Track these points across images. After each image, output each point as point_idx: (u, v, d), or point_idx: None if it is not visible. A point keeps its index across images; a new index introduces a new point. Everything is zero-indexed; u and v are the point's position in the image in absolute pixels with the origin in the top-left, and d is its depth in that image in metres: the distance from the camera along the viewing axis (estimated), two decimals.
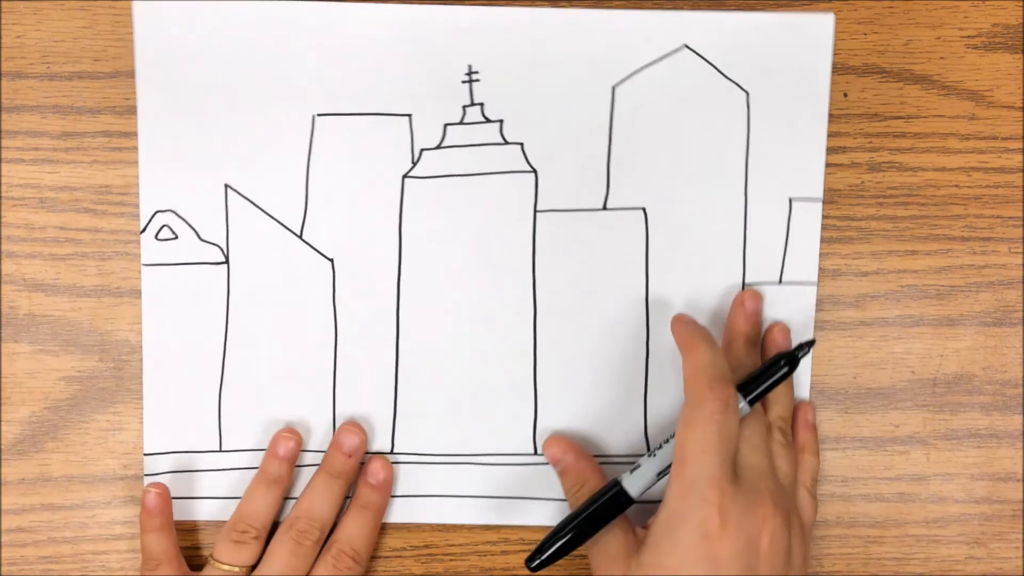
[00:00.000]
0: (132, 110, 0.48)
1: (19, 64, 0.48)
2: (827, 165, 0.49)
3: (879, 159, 0.49)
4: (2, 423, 0.49)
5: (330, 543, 0.48)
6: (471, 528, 0.50)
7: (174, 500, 0.48)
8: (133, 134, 0.48)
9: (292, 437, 0.48)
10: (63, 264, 0.49)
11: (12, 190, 0.48)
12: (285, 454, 0.48)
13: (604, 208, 0.49)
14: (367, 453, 0.49)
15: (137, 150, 0.48)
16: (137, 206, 0.48)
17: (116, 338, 0.49)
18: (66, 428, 0.49)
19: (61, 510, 0.49)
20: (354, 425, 0.49)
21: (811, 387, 0.50)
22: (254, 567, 0.47)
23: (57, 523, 0.49)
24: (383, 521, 0.49)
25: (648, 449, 0.50)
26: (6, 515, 0.49)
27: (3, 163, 0.48)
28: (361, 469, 0.49)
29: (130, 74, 0.48)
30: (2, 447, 0.49)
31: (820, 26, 0.48)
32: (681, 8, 0.48)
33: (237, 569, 0.46)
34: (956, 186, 0.49)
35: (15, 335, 0.49)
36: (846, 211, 0.49)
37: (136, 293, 0.49)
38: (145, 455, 0.49)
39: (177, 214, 0.48)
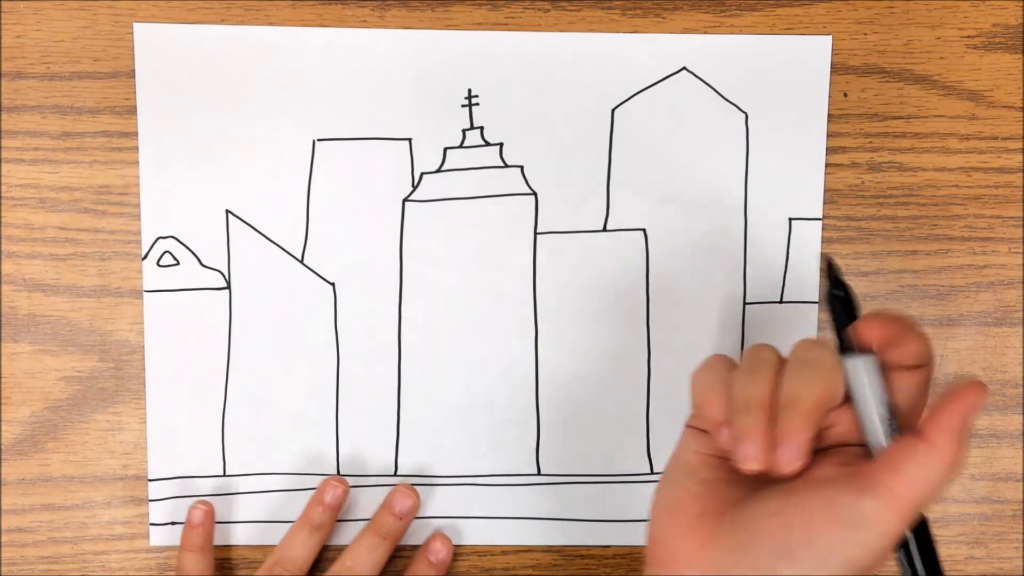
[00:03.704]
0: (132, 110, 0.48)
1: (19, 64, 0.48)
2: (827, 165, 0.49)
3: (879, 159, 0.49)
4: (2, 423, 0.49)
5: (334, 568, 0.47)
6: None
7: (178, 525, 0.49)
8: (133, 134, 0.48)
9: (340, 485, 0.48)
10: (63, 264, 0.49)
11: (12, 190, 0.48)
12: (331, 502, 0.48)
13: (604, 230, 0.49)
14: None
15: (137, 150, 0.48)
16: (137, 206, 0.48)
17: (116, 338, 0.49)
18: (66, 428, 0.49)
19: (61, 510, 0.49)
20: (407, 488, 0.48)
21: None
22: None
23: (57, 523, 0.49)
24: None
25: (651, 469, 0.50)
26: (6, 515, 0.49)
27: (3, 163, 0.48)
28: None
29: (130, 74, 0.48)
30: (2, 447, 0.49)
31: (817, 48, 0.49)
32: (680, 31, 0.48)
33: None
34: (956, 186, 0.49)
35: (15, 335, 0.49)
36: (846, 211, 0.49)
37: (136, 293, 0.49)
38: (149, 480, 0.49)
39: (179, 240, 0.49)
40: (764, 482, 0.35)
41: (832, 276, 0.36)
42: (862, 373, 0.34)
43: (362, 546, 0.48)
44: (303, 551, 0.47)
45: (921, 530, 0.35)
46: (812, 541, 0.33)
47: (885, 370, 0.35)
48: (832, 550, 0.33)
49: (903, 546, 0.35)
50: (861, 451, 0.35)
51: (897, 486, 0.33)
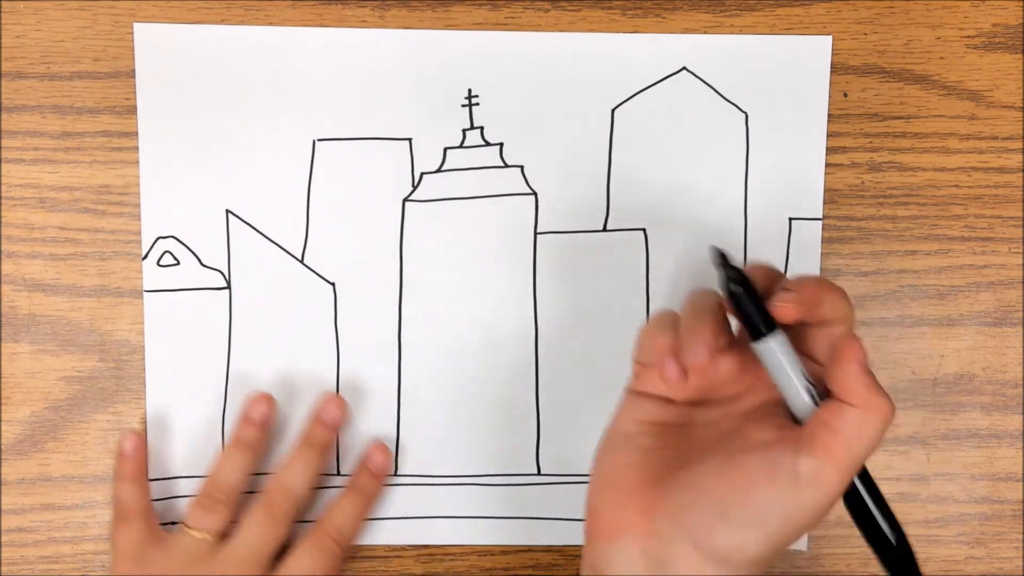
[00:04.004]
0: (132, 110, 0.48)
1: (19, 64, 0.48)
2: (827, 165, 0.49)
3: (879, 159, 0.49)
4: (2, 423, 0.49)
5: (317, 524, 0.47)
6: None
7: (178, 525, 0.48)
8: (133, 134, 0.48)
9: (266, 401, 0.48)
10: (63, 264, 0.49)
11: (12, 190, 0.48)
12: (258, 418, 0.48)
13: (604, 230, 0.49)
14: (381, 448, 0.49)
15: (137, 150, 0.48)
16: (137, 206, 0.48)
17: (116, 338, 0.49)
18: (66, 428, 0.49)
19: (61, 510, 0.49)
20: (336, 397, 0.49)
21: None
22: (226, 534, 0.46)
23: (57, 523, 0.49)
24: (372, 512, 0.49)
25: None
26: (6, 515, 0.49)
27: (3, 163, 0.48)
28: (361, 455, 0.49)
29: (130, 74, 0.48)
30: (2, 447, 0.49)
31: (818, 48, 0.49)
32: (680, 31, 0.48)
33: (207, 535, 0.46)
34: (956, 186, 0.49)
35: (15, 335, 0.49)
36: (846, 211, 0.49)
37: (136, 293, 0.49)
38: (149, 480, 0.49)
39: (179, 240, 0.49)
40: (702, 449, 0.36)
41: (727, 266, 0.36)
42: (776, 353, 0.35)
43: (294, 459, 0.47)
44: (234, 470, 0.47)
45: (864, 477, 0.36)
46: (750, 500, 0.34)
47: (804, 330, 0.36)
48: (770, 509, 0.34)
49: (849, 497, 0.35)
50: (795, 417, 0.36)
51: (833, 444, 0.33)
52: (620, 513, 0.37)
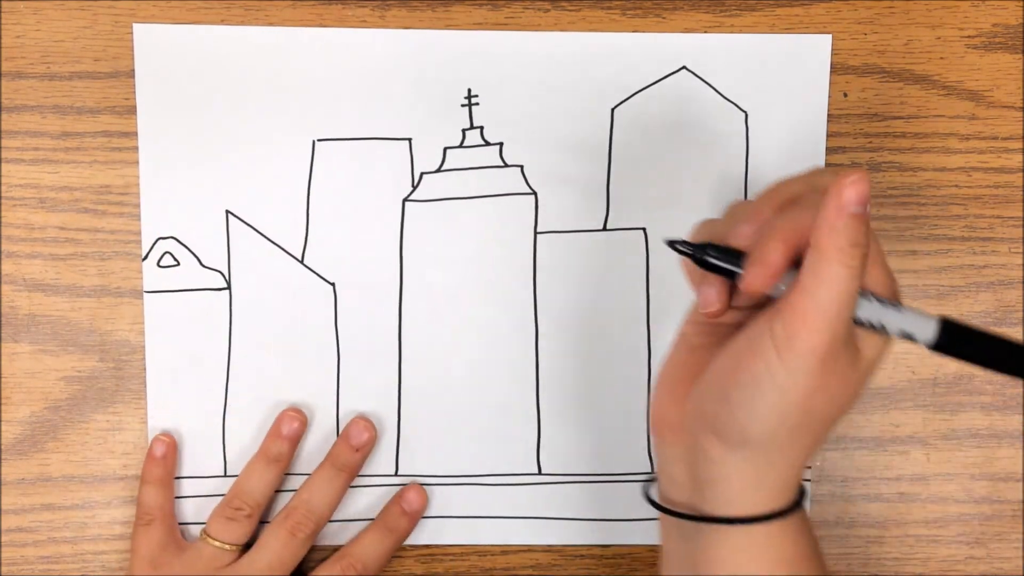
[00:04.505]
0: (132, 110, 0.48)
1: (19, 64, 0.48)
2: (827, 165, 0.49)
3: (879, 159, 0.49)
4: (2, 423, 0.49)
5: (342, 553, 0.48)
6: None
7: (180, 525, 0.49)
8: (133, 134, 0.48)
9: (298, 418, 0.48)
10: (63, 264, 0.49)
11: (12, 190, 0.48)
12: (288, 434, 0.48)
13: (604, 229, 0.49)
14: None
15: (137, 150, 0.48)
16: (137, 206, 0.48)
17: (116, 338, 0.49)
18: (66, 428, 0.49)
19: (61, 510, 0.49)
20: (365, 420, 0.49)
21: None
22: (247, 545, 0.47)
23: (57, 523, 0.49)
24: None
25: (652, 468, 0.50)
26: (6, 515, 0.49)
27: (3, 163, 0.48)
28: (396, 493, 0.49)
29: (130, 74, 0.48)
30: (2, 447, 0.49)
31: (817, 47, 0.49)
32: (680, 31, 0.48)
33: (228, 547, 0.46)
34: (956, 186, 0.49)
35: (15, 335, 0.49)
36: None
37: (136, 293, 0.49)
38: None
39: (179, 241, 0.49)
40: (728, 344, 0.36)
41: (686, 247, 0.36)
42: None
43: (319, 479, 0.47)
44: (260, 484, 0.47)
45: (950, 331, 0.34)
46: (740, 378, 0.34)
47: None
48: (761, 382, 0.34)
49: (952, 347, 0.35)
50: None
51: (800, 303, 0.33)
52: (667, 410, 0.38)
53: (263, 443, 0.48)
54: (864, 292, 0.34)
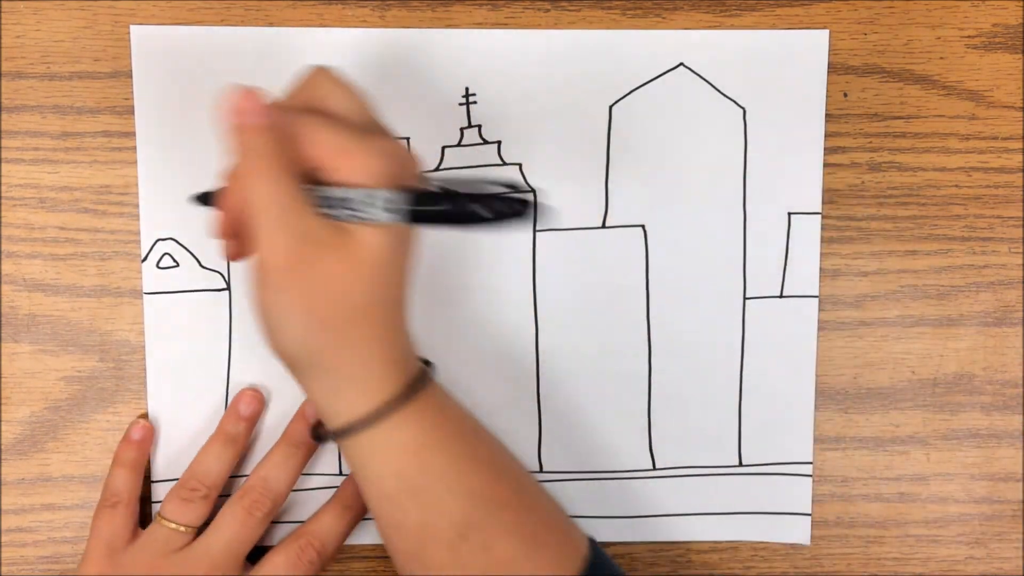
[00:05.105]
0: (132, 110, 0.48)
1: (19, 64, 0.48)
2: (826, 165, 0.49)
3: (879, 159, 0.49)
4: (2, 423, 0.49)
5: (299, 532, 0.47)
6: None
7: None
8: (133, 134, 0.48)
9: (256, 397, 0.48)
10: (63, 264, 0.49)
11: (12, 190, 0.48)
12: (246, 414, 0.48)
13: (603, 226, 0.49)
14: None
15: (136, 150, 0.48)
16: (137, 206, 0.48)
17: (116, 338, 0.49)
18: (66, 428, 0.49)
19: (61, 510, 0.49)
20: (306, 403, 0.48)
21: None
22: (203, 527, 0.46)
23: (57, 523, 0.49)
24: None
25: (653, 465, 0.50)
26: (6, 515, 0.49)
27: (3, 163, 0.48)
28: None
29: (129, 74, 0.48)
30: (2, 447, 0.49)
31: (815, 43, 0.49)
32: (677, 27, 0.48)
33: (183, 528, 0.45)
34: (956, 186, 0.49)
35: (15, 335, 0.49)
36: (846, 211, 0.49)
37: (136, 293, 0.49)
38: (152, 482, 0.49)
39: (178, 242, 0.48)
40: None
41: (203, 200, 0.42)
42: None
43: (276, 457, 0.47)
44: (217, 464, 0.47)
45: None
46: (257, 315, 0.38)
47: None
48: (265, 312, 0.37)
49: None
50: None
51: (253, 236, 0.37)
52: None
53: (220, 423, 0.48)
54: (313, 188, 0.37)
